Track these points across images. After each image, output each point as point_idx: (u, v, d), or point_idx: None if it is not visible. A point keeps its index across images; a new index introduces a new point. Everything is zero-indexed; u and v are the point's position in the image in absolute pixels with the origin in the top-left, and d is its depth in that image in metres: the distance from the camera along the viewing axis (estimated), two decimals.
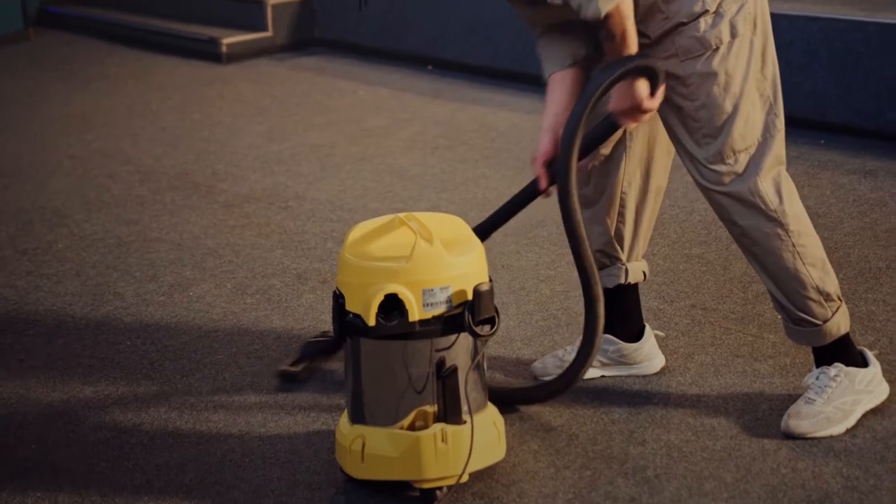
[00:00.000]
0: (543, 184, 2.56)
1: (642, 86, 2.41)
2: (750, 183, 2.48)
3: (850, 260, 3.48)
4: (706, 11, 2.43)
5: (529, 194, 2.65)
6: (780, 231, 2.50)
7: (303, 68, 6.30)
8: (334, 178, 4.54)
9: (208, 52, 6.40)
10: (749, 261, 2.62)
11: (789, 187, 2.52)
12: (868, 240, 3.64)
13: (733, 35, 2.44)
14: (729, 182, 2.49)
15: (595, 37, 2.48)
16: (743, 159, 2.48)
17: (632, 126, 2.55)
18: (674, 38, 2.45)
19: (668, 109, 2.52)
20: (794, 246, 2.50)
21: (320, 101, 5.65)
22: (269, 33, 6.53)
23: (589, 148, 2.54)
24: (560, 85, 2.58)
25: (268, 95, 5.79)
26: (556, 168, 2.49)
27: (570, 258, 3.57)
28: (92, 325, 3.29)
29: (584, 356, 2.51)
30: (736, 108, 2.46)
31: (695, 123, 2.49)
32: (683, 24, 2.43)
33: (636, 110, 2.44)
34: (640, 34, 2.46)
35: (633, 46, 2.39)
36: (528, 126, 5.10)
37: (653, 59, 2.41)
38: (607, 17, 2.32)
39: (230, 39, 6.42)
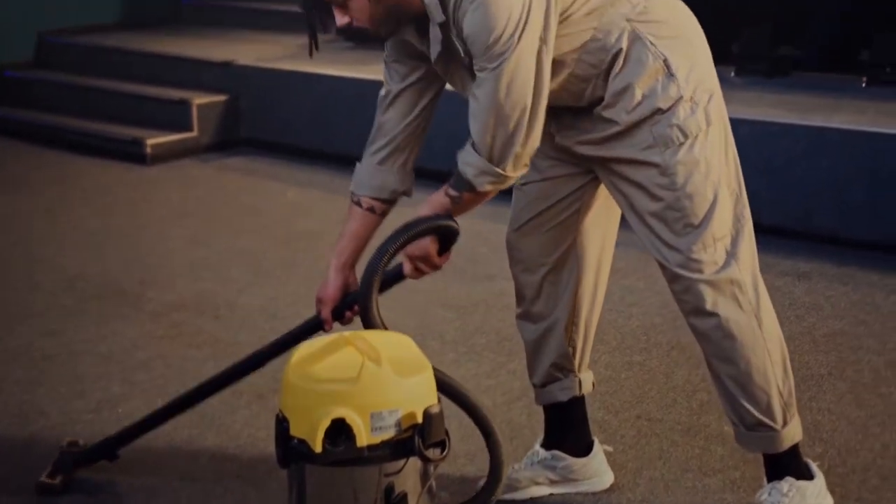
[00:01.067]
0: (329, 326, 2.64)
1: (433, 243, 2.46)
2: (731, 272, 2.45)
3: (791, 366, 3.46)
4: (681, 98, 2.39)
5: (307, 331, 2.70)
6: (755, 325, 2.48)
7: (229, 169, 6.22)
8: (265, 285, 4.45)
9: (132, 153, 6.30)
10: (711, 360, 2.56)
11: (762, 286, 2.51)
12: (807, 345, 3.64)
13: (708, 123, 2.41)
14: (710, 271, 2.45)
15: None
16: (721, 248, 2.45)
17: (413, 276, 2.56)
18: (651, 126, 2.39)
19: (646, 202, 2.45)
20: (764, 342, 2.48)
21: (248, 203, 5.57)
22: (194, 133, 6.46)
23: (379, 290, 2.53)
24: (362, 227, 2.69)
25: (194, 198, 5.70)
26: (361, 314, 2.49)
27: (510, 367, 3.55)
28: (18, 448, 3.14)
29: (491, 486, 2.40)
30: (716, 195, 2.43)
31: (676, 213, 2.43)
32: (661, 110, 2.38)
33: (424, 262, 2.49)
34: (608, 121, 2.43)
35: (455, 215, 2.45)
36: (463, 225, 5.06)
37: (452, 220, 2.45)
38: (476, 192, 2.39)
39: (155, 140, 6.33)
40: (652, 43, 2.38)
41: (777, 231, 4.62)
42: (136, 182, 5.99)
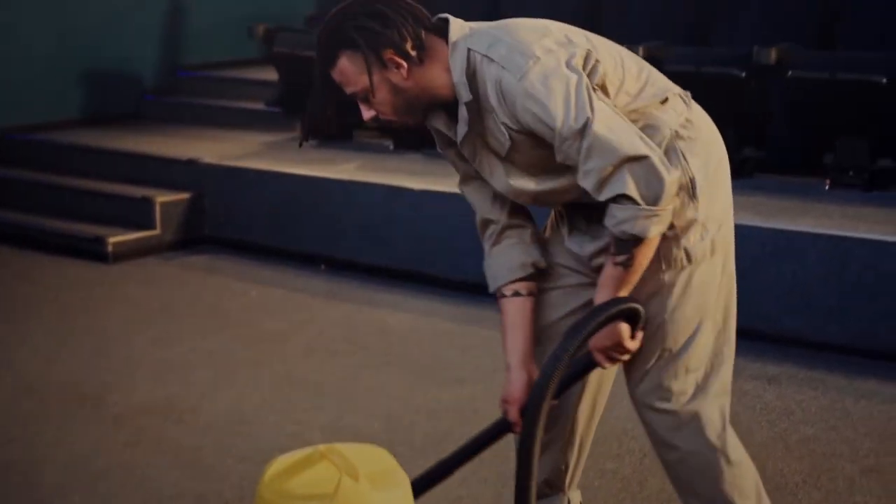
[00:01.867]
0: (519, 428, 2.42)
1: (625, 327, 2.33)
2: (696, 405, 2.42)
3: (765, 474, 3.40)
4: (696, 221, 2.38)
5: (494, 434, 2.53)
6: (721, 460, 2.43)
7: (193, 267, 6.16)
8: (230, 388, 4.37)
9: (94, 252, 6.22)
10: (680, 491, 2.53)
11: (728, 417, 2.46)
12: (781, 451, 3.61)
13: (713, 252, 2.41)
14: (676, 402, 2.42)
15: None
16: (692, 380, 2.42)
17: (607, 366, 2.43)
18: (660, 242, 2.34)
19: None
20: (732, 477, 2.43)
21: (212, 303, 5.51)
22: (157, 231, 6.40)
23: (563, 388, 2.43)
24: (519, 314, 2.51)
25: (157, 297, 5.62)
26: (525, 413, 2.34)
27: (482, 475, 3.49)
28: None
29: None
30: (699, 326, 2.41)
31: (657, 336, 2.41)
32: (673, 227, 2.35)
33: (616, 349, 2.36)
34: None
35: (632, 287, 2.32)
36: (426, 328, 5.04)
37: (634, 301, 2.33)
38: (644, 241, 2.25)
39: (117, 238, 6.26)
40: (686, 159, 2.37)
41: (745, 334, 4.56)
42: (97, 281, 5.90)
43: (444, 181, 5.73)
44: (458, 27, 2.36)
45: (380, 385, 4.37)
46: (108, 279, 5.94)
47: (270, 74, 7.38)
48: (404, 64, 2.31)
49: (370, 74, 2.31)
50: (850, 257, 4.52)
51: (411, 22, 2.32)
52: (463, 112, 2.34)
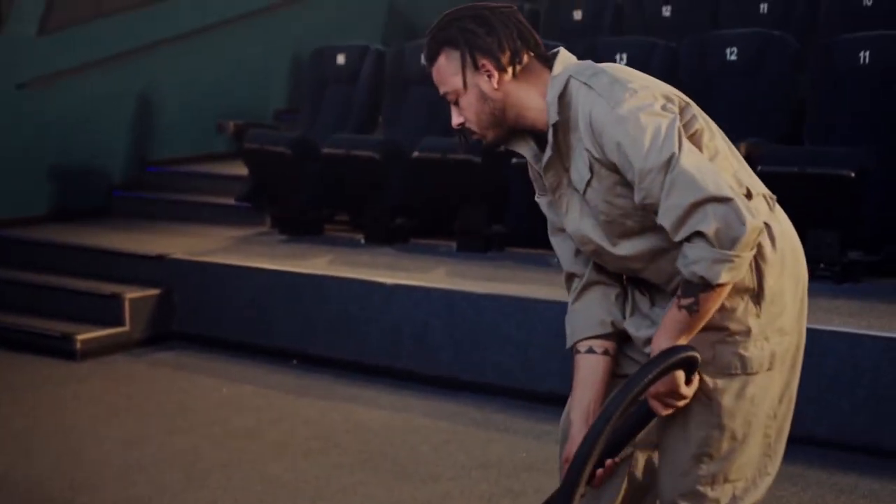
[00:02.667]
0: (584, 491, 2.29)
1: (680, 374, 2.28)
2: None
3: None
4: (753, 331, 2.33)
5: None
6: None
7: (162, 364, 6.08)
8: (201, 489, 4.28)
9: (62, 349, 6.13)
10: None
11: None
12: None
13: (771, 366, 2.36)
14: None
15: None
16: (728, 491, 2.38)
17: (664, 412, 2.35)
18: (714, 344, 2.33)
19: (681, 418, 2.38)
20: None
21: (181, 401, 5.42)
22: (126, 328, 6.32)
23: (621, 442, 2.38)
24: (590, 372, 2.47)
25: (125, 395, 5.53)
26: (571, 464, 2.25)
27: None
28: None
29: None
30: (745, 437, 2.36)
31: (700, 439, 2.37)
32: (729, 331, 2.33)
33: (672, 396, 2.30)
34: None
35: (695, 331, 2.28)
36: (400, 424, 4.97)
37: (691, 350, 2.27)
38: (716, 287, 2.21)
39: (85, 335, 6.17)
40: (758, 261, 2.33)
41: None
42: (65, 379, 5.80)
43: (416, 275, 5.72)
44: (565, 57, 2.42)
45: (354, 484, 4.30)
46: (76, 377, 5.84)
47: (240, 169, 7.38)
48: (496, 74, 2.36)
49: (463, 75, 2.36)
50: (827, 350, 4.51)
51: (515, 37, 2.37)
52: (550, 136, 2.37)
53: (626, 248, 2.39)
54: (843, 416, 4.49)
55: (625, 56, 6.37)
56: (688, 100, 2.41)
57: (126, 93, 8.13)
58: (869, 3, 6.96)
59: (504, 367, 5.33)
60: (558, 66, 2.38)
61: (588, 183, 2.35)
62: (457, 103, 2.40)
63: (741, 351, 2.33)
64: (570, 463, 2.24)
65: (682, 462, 2.39)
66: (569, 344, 2.54)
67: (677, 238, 2.22)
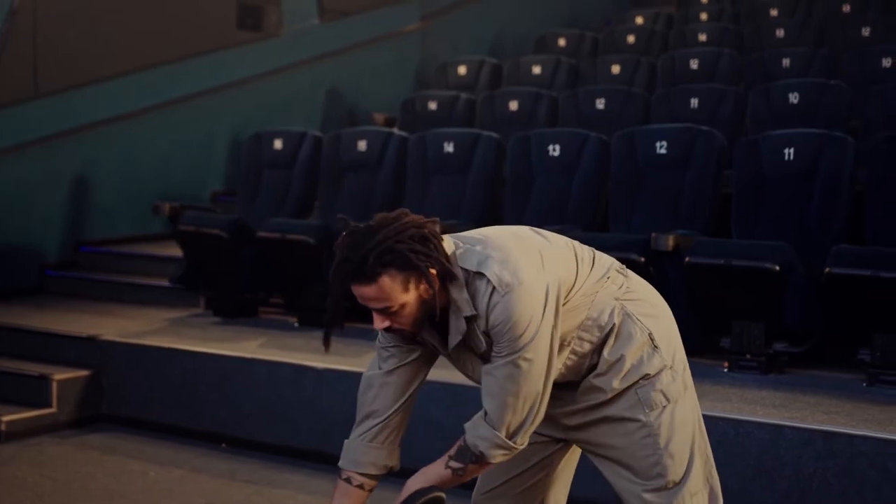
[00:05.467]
0: None
1: None
2: None
3: None
4: (665, 366, 2.72)
5: None
6: None
7: (89, 447, 6.00)
8: None
9: None
10: None
11: None
12: None
13: (686, 388, 2.76)
14: None
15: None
16: (697, 501, 2.74)
17: None
18: (636, 389, 2.71)
19: (631, 461, 2.72)
20: None
21: (107, 485, 5.35)
22: (53, 409, 6.25)
23: None
24: (353, 500, 2.80)
25: (50, 479, 5.45)
26: None
27: None
28: None
29: None
30: (692, 454, 2.73)
31: (658, 471, 2.70)
32: (648, 376, 2.70)
33: None
34: (597, 390, 2.71)
35: (445, 484, 2.65)
36: None
37: (436, 490, 2.63)
38: (484, 460, 2.61)
39: (10, 417, 6.08)
40: (639, 319, 2.72)
41: None
42: None
43: (349, 360, 5.73)
44: (449, 245, 2.62)
45: None
46: (0, 459, 5.75)
47: (175, 251, 7.37)
48: (437, 282, 2.55)
49: (418, 289, 2.54)
50: (750, 441, 4.58)
51: (440, 246, 2.58)
52: (461, 324, 2.59)
53: None
54: None
55: (557, 147, 6.50)
56: (552, 260, 2.67)
57: (62, 172, 8.11)
58: (795, 101, 7.18)
59: (436, 452, 5.30)
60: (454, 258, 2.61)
61: (487, 349, 2.63)
62: (388, 313, 2.56)
63: (660, 387, 2.72)
64: None
65: (649, 498, 2.72)
66: (345, 466, 2.86)
67: (483, 405, 2.63)
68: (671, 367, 2.73)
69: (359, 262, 2.51)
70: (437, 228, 2.61)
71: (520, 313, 2.53)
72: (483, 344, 2.62)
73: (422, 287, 2.54)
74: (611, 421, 2.73)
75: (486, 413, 2.62)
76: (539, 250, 2.66)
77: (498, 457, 2.61)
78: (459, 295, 2.58)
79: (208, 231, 6.82)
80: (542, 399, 2.60)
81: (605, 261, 2.82)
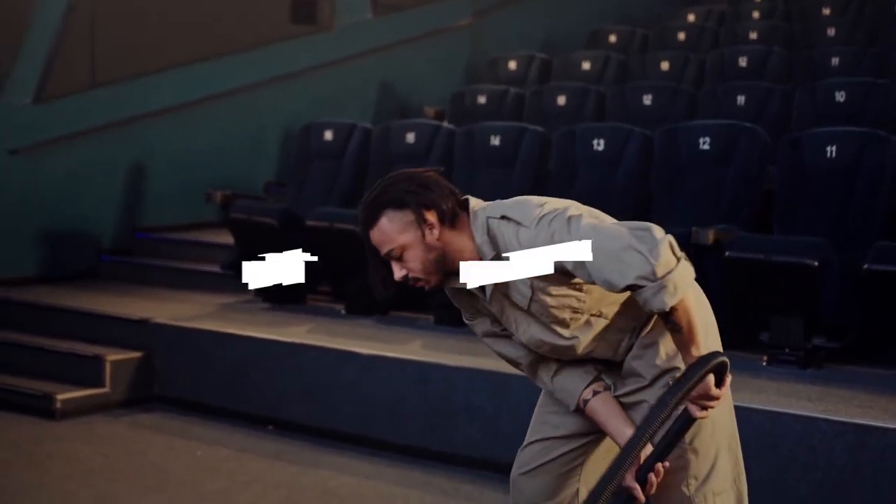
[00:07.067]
0: (640, 496, 2.66)
1: (710, 378, 2.59)
2: None
3: None
4: None
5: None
6: None
7: (140, 426, 6.17)
8: None
9: (41, 409, 6.23)
10: None
11: None
12: None
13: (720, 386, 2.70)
14: None
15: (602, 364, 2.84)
16: (722, 501, 2.77)
17: (702, 415, 2.65)
18: (669, 379, 2.71)
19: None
20: None
21: (156, 462, 5.52)
22: (106, 389, 6.43)
23: (670, 446, 2.65)
24: (608, 406, 2.81)
25: (100, 455, 5.62)
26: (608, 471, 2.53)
27: None
28: None
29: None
30: (717, 453, 2.76)
31: (682, 463, 2.73)
32: (680, 369, 2.69)
33: (705, 398, 2.60)
34: (636, 375, 2.78)
35: (699, 336, 2.61)
36: (370, 492, 5.07)
37: (719, 356, 2.60)
38: (673, 309, 2.55)
39: (65, 395, 6.28)
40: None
41: None
42: (41, 438, 5.90)
43: (392, 347, 5.86)
44: (476, 202, 2.75)
45: None
46: (54, 436, 5.94)
47: (226, 238, 7.53)
48: (437, 225, 2.65)
49: (420, 228, 2.64)
50: (785, 432, 4.64)
51: (447, 193, 2.69)
52: None
53: (577, 334, 2.76)
54: (798, 498, 4.61)
55: (602, 142, 6.57)
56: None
57: (118, 161, 8.32)
58: (842, 100, 7.20)
59: (475, 439, 5.44)
60: (473, 207, 2.73)
61: (531, 299, 2.70)
62: (399, 258, 2.68)
63: None
64: (607, 473, 2.52)
65: (675, 490, 2.75)
66: (573, 406, 2.87)
67: (620, 290, 2.59)
68: None
69: (363, 208, 2.69)
70: (437, 176, 2.74)
71: (550, 208, 2.65)
72: (528, 289, 2.67)
73: (424, 229, 2.65)
74: (645, 407, 2.76)
75: (632, 283, 2.56)
76: (581, 208, 2.72)
77: (667, 300, 2.53)
78: (480, 240, 2.67)
79: (259, 219, 6.97)
80: (628, 237, 2.58)
81: None
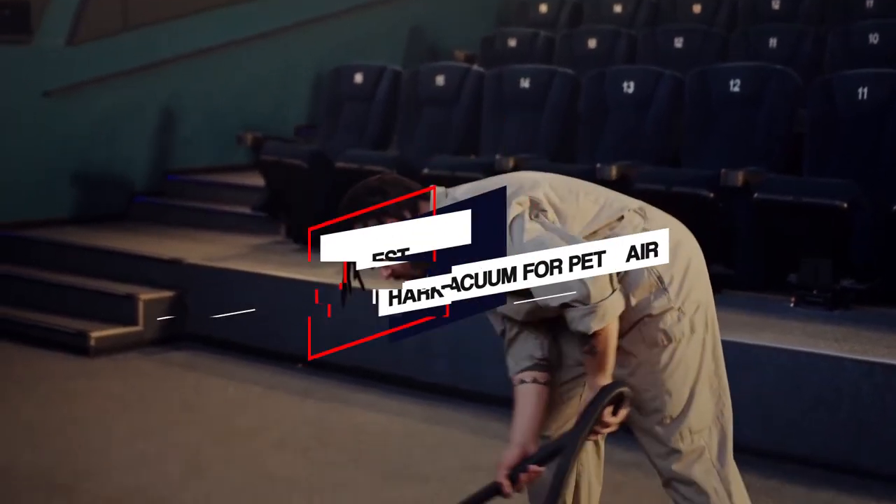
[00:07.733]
0: (507, 489, 2.78)
1: (607, 409, 2.72)
2: (704, 463, 2.83)
3: None
4: (670, 308, 2.79)
5: (485, 496, 2.82)
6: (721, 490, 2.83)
7: (172, 363, 6.27)
8: (202, 480, 4.46)
9: (76, 346, 6.34)
10: None
11: (737, 484, 2.90)
12: None
13: (692, 331, 2.82)
14: (686, 460, 2.82)
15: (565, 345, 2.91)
16: (698, 440, 2.83)
17: (593, 438, 2.83)
18: (640, 327, 2.78)
19: (640, 391, 2.81)
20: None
21: (188, 398, 5.61)
22: (139, 327, 6.52)
23: (550, 456, 2.77)
24: (524, 399, 2.88)
25: (135, 391, 5.72)
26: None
27: None
28: None
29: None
30: (692, 393, 2.82)
31: (657, 403, 2.82)
32: (651, 316, 2.78)
33: (600, 425, 2.73)
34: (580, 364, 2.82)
35: (610, 367, 2.72)
36: (398, 429, 5.14)
37: (619, 386, 2.72)
38: (595, 334, 2.65)
39: (99, 333, 6.38)
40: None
41: None
42: (77, 374, 6.01)
43: None
44: (440, 191, 2.84)
45: (346, 481, 4.47)
46: (88, 372, 6.04)
47: (258, 180, 7.58)
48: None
49: None
50: (810, 372, 4.66)
51: (402, 191, 2.80)
52: None
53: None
54: (824, 435, 4.64)
55: (632, 84, 6.55)
56: (539, 196, 2.78)
57: (149, 103, 8.37)
58: (875, 42, 7.13)
59: (501, 378, 5.46)
60: (438, 194, 2.82)
61: None
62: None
63: (662, 326, 2.80)
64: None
65: (651, 432, 2.84)
66: (510, 374, 2.97)
67: (553, 308, 2.67)
68: (679, 309, 2.78)
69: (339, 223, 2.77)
70: (394, 175, 2.91)
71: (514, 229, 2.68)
72: None
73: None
74: (618, 352, 2.79)
75: (563, 309, 2.64)
76: (534, 179, 2.81)
77: (593, 324, 2.61)
78: None
79: (289, 161, 7.00)
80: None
81: (621, 202, 2.87)
